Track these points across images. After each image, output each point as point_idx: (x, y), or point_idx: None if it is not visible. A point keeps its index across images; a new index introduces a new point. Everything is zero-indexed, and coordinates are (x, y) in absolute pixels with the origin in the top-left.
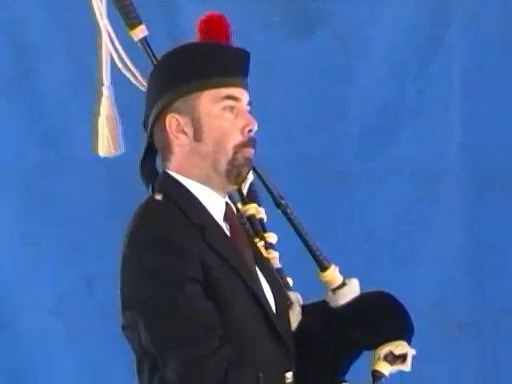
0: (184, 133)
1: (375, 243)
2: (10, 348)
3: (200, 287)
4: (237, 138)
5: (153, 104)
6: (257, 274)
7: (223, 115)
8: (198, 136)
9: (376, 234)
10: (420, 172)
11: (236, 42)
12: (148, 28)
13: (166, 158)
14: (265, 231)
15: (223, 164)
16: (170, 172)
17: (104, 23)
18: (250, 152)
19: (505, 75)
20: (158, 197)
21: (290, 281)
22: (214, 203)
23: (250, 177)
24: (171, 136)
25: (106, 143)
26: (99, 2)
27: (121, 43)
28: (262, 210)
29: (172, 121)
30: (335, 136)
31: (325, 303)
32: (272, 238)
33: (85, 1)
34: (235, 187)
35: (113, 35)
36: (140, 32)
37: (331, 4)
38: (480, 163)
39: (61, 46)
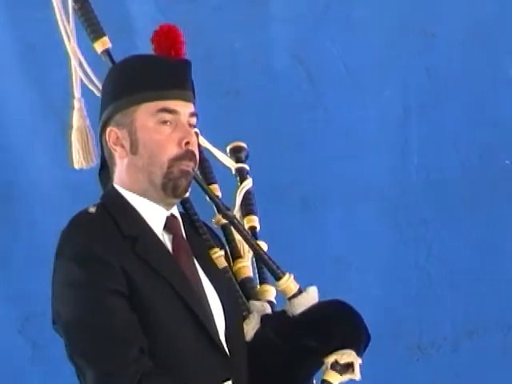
0: (122, 146)
1: (342, 266)
2: None
3: (122, 299)
4: (172, 151)
5: (100, 116)
6: (199, 286)
7: (158, 128)
8: (133, 149)
9: (343, 257)
10: (381, 194)
11: (204, 66)
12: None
13: (111, 170)
14: (256, 240)
15: (159, 177)
16: (114, 184)
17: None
18: (187, 164)
19: (458, 95)
20: (91, 209)
21: (271, 289)
22: (154, 216)
23: (248, 185)
24: (111, 149)
25: (77, 156)
26: (65, 22)
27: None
28: (254, 218)
29: (111, 134)
30: (301, 162)
31: (283, 312)
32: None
33: (49, 20)
34: (176, 200)
35: (77, 50)
36: (102, 44)
37: (296, 31)
38: (438, 182)
39: (23, 67)
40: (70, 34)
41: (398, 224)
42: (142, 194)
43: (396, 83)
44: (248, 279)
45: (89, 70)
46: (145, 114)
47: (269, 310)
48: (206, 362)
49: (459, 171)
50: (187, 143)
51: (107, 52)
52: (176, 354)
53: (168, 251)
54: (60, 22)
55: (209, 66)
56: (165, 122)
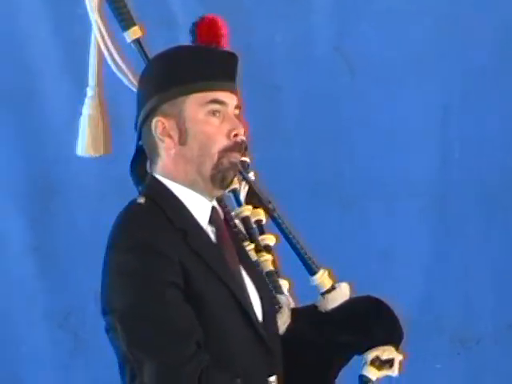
0: (169, 136)
1: (387, 262)
2: (17, 361)
3: (179, 292)
4: (222, 143)
5: (141, 106)
6: (241, 279)
7: (208, 119)
8: (182, 140)
9: (388, 253)
10: (423, 190)
11: (243, 59)
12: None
13: (153, 161)
14: (262, 233)
15: (208, 169)
16: (156, 175)
17: (95, 19)
18: (235, 156)
19: (500, 92)
20: (141, 200)
21: (284, 283)
22: (200, 207)
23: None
24: (157, 139)
25: (86, 143)
26: (95, 10)
27: (120, 45)
28: (260, 211)
29: (158, 124)
30: (342, 157)
31: (315, 307)
32: (269, 239)
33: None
34: (222, 191)
35: (105, 35)
36: (133, 33)
37: (337, 24)
38: (479, 178)
39: (64, 63)
40: (99, 22)
41: (440, 220)
42: (189, 185)
43: (438, 77)
44: (272, 272)
45: (118, 59)
46: (194, 105)
47: (293, 304)
48: (252, 354)
49: (500, 168)
50: (236, 135)
51: (138, 42)
52: (226, 345)
53: (213, 243)
54: (89, 10)
55: (248, 59)
56: (214, 114)
